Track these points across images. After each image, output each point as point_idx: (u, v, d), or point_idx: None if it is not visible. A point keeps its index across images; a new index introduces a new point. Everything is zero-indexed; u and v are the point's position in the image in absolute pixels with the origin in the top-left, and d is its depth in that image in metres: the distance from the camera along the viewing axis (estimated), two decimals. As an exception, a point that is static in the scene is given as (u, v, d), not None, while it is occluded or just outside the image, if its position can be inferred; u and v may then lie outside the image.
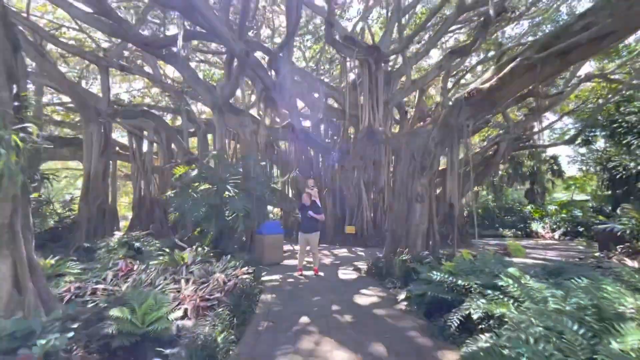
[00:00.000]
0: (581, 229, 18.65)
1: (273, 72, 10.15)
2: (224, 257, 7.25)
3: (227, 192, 8.88)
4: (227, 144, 10.66)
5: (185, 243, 9.69)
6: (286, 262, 8.87)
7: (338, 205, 14.80)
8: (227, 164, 9.20)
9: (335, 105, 13.05)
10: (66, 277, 6.56)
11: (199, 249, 8.99)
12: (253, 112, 12.76)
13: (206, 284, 5.04)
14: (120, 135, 20.77)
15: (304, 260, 7.24)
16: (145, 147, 17.26)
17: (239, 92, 15.35)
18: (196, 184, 9.06)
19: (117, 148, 17.90)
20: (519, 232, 20.17)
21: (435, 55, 18.69)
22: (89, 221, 11.77)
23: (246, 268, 6.45)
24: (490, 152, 15.76)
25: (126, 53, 16.71)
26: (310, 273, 7.20)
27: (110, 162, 18.23)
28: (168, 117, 23.52)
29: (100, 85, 13.99)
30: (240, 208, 8.48)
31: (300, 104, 12.55)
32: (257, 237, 8.77)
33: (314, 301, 5.12)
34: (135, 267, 5.93)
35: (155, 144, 17.33)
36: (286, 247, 12.42)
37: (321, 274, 7.19)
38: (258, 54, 8.76)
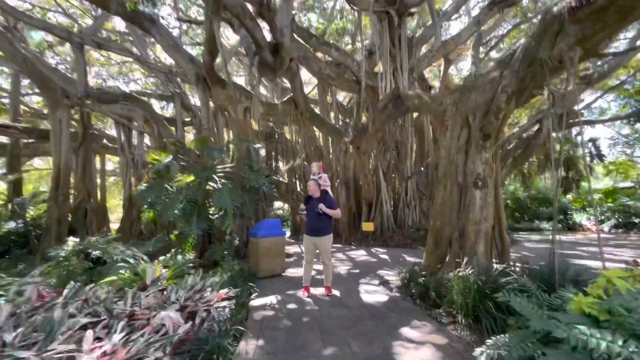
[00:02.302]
0: (637, 220, 16.07)
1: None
2: (198, 272, 5.26)
3: (211, 184, 6.86)
4: (214, 124, 8.63)
5: (163, 250, 7.77)
6: (290, 272, 6.81)
7: (353, 198, 12.66)
8: (213, 148, 7.15)
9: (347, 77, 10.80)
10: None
11: (178, 256, 7.06)
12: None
13: (143, 331, 3.02)
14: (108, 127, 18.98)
15: (311, 273, 5.16)
16: (135, 139, 15.43)
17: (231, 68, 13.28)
18: (172, 174, 7.07)
19: (104, 140, 16.17)
20: (559, 225, 17.69)
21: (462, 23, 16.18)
22: (60, 223, 9.97)
23: (226, 290, 4.42)
24: (531, 132, 13.29)
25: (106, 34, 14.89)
26: (320, 292, 5.13)
27: (97, 155, 16.61)
28: (160, 106, 21.74)
29: (75, 66, 12.18)
30: (227, 203, 6.45)
31: (305, 75, 10.46)
32: (251, 241, 6.74)
33: (327, 356, 3.03)
34: (49, 297, 3.95)
35: (146, 136, 15.54)
36: (293, 250, 10.37)
37: (336, 293, 5.10)
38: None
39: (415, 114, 13.11)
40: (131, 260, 6.07)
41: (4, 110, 14.73)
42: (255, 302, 4.76)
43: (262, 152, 20.11)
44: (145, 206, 7.30)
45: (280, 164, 14.65)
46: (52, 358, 2.43)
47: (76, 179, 12.60)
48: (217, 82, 8.36)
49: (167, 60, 15.97)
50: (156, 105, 22.65)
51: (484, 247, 4.44)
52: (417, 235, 11.01)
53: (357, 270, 6.96)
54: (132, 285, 5.02)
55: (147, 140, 15.94)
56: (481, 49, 13.89)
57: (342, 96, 19.94)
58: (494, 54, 15.88)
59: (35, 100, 18.19)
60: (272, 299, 4.86)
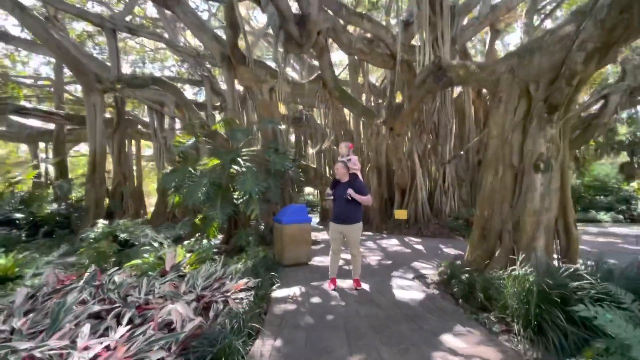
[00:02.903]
0: None
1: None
2: (222, 258, 5.01)
3: (234, 167, 6.57)
4: (240, 106, 8.32)
5: (191, 234, 7.71)
6: (317, 260, 6.43)
7: (385, 184, 11.98)
8: (237, 130, 6.83)
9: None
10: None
11: (203, 241, 6.94)
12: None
13: (148, 326, 2.74)
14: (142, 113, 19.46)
15: (338, 264, 4.70)
16: (167, 124, 15.69)
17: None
18: (196, 157, 6.88)
19: (139, 126, 16.65)
20: (620, 217, 15.75)
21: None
22: (97, 205, 10.34)
23: (246, 280, 4.10)
24: (594, 110, 11.64)
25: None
26: (348, 285, 4.68)
27: (133, 141, 17.18)
28: (193, 92, 22.01)
29: (108, 51, 12.40)
30: (251, 187, 6.14)
31: (335, 56, 9.78)
32: (276, 228, 6.41)
33: (354, 364, 2.59)
34: (69, 280, 3.84)
35: (177, 121, 15.76)
36: (321, 237, 10.01)
37: (365, 287, 4.63)
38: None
39: (455, 93, 11.98)
40: (155, 244, 5.99)
41: (49, 99, 15.54)
42: (277, 293, 4.42)
43: (292, 138, 19.88)
44: (172, 190, 7.21)
45: (310, 149, 14.19)
46: (48, 352, 2.19)
47: (113, 164, 13.06)
48: (242, 60, 7.98)
49: (197, 44, 15.94)
50: (189, 91, 23.06)
51: (545, 243, 3.70)
52: (456, 225, 10.18)
53: (389, 262, 6.42)
54: (155, 269, 4.90)
55: (178, 125, 16.21)
56: (535, 17, 12.27)
57: (374, 77, 18.92)
58: (548, 24, 14.04)
59: (77, 89, 19.15)
60: (295, 291, 4.49)
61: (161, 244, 6.07)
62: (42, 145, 16.88)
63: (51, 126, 14.96)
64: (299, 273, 5.51)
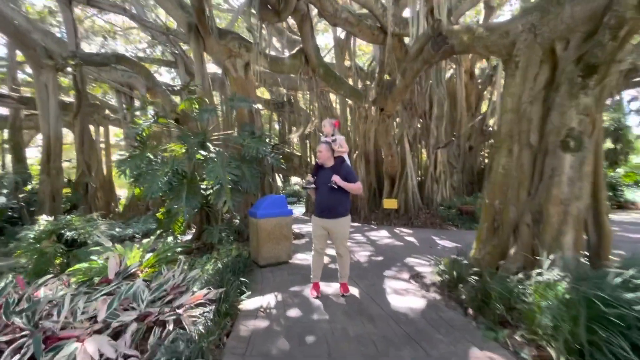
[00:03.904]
0: None
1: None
2: (185, 259, 4.16)
3: (202, 153, 5.65)
4: (210, 84, 7.30)
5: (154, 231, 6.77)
6: (300, 258, 5.65)
7: (373, 172, 11.26)
8: (203, 110, 5.87)
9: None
10: None
11: (169, 239, 6.04)
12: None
13: None
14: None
15: (322, 266, 3.92)
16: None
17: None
18: (158, 141, 5.91)
19: (107, 111, 15.25)
20: (607, 203, 15.63)
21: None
22: (55, 198, 9.19)
23: (205, 292, 3.27)
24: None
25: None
26: (334, 289, 3.93)
27: (102, 128, 15.79)
28: (171, 77, 20.56)
29: (65, 25, 11.00)
30: (221, 175, 5.24)
31: (319, 41, 8.81)
32: (250, 222, 5.57)
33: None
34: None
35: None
36: (306, 229, 9.23)
37: (354, 291, 3.88)
38: None
39: (447, 73, 11.26)
40: (108, 244, 5.06)
41: (1, 80, 13.95)
42: (247, 303, 3.60)
43: (276, 126, 18.80)
44: (132, 180, 6.21)
45: (294, 136, 13.27)
46: None
47: (76, 152, 11.80)
48: (211, 31, 6.94)
49: (171, 21, 14.52)
50: (166, 75, 21.50)
51: (574, 238, 3.02)
52: (448, 214, 9.59)
53: (380, 258, 5.71)
54: (104, 275, 4.02)
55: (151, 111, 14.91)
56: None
57: (362, 62, 17.97)
58: None
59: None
60: (269, 300, 3.69)
61: (122, 242, 5.16)
62: (-3, 132, 15.30)
63: (5, 111, 13.45)
64: (276, 275, 4.72)
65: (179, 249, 5.36)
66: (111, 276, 3.73)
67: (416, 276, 4.59)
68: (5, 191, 10.94)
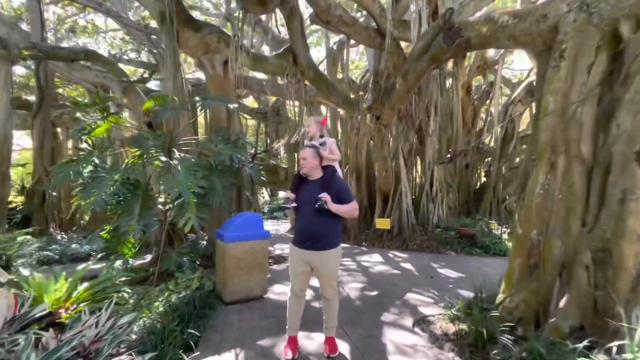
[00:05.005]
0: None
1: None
2: (131, 292, 3.09)
3: (160, 159, 4.63)
4: (183, 83, 6.35)
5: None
6: (278, 290, 4.59)
7: (364, 188, 10.38)
8: (165, 108, 4.89)
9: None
10: None
11: (116, 263, 4.90)
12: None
13: None
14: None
15: (301, 313, 2.89)
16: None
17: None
18: (109, 143, 4.87)
19: (78, 114, 14.02)
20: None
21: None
22: (-3, 208, 7.89)
23: (128, 357, 2.21)
24: None
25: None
26: (316, 346, 2.90)
27: (67, 130, 14.49)
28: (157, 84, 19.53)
29: (30, 16, 9.99)
30: (182, 188, 4.22)
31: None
32: (218, 246, 4.51)
33: None
34: None
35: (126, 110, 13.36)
36: (289, 250, 8.18)
37: (343, 349, 2.87)
38: None
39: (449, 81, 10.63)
40: (25, 272, 3.91)
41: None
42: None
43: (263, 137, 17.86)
44: (79, 190, 5.09)
45: (279, 145, 12.36)
46: None
47: (33, 156, 10.53)
48: (187, 22, 6.07)
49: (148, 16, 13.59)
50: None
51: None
52: (446, 237, 8.73)
53: (375, 292, 4.72)
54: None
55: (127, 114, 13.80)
56: None
57: (354, 76, 17.44)
58: None
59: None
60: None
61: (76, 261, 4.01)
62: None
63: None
64: (245, 317, 3.66)
65: (123, 278, 4.25)
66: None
67: (422, 321, 3.62)
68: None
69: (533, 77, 9.67)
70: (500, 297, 3.00)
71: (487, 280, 4.18)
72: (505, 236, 8.90)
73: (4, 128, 8.03)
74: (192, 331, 2.80)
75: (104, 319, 2.76)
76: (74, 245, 7.56)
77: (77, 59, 9.48)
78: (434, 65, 4.53)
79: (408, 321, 3.60)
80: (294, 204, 2.76)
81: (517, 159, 12.04)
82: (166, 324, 2.80)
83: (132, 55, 17.32)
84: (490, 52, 11.93)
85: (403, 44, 7.76)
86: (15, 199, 10.99)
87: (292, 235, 2.92)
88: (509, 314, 2.78)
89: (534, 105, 4.43)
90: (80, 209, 5.65)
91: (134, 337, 2.69)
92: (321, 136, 2.98)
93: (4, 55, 7.69)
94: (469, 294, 4.52)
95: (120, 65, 11.92)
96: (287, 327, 2.87)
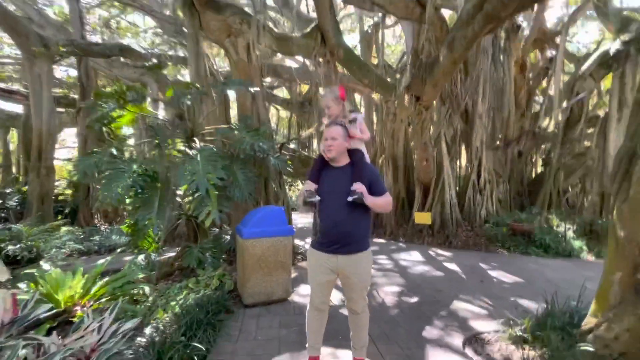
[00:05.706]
0: None
1: None
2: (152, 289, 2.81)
3: (179, 149, 4.33)
4: (208, 70, 6.05)
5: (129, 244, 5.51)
6: (302, 293, 4.14)
7: (402, 178, 9.57)
8: (182, 93, 4.56)
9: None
10: None
11: (139, 258, 4.75)
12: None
13: None
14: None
15: (323, 329, 2.38)
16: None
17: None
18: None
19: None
20: None
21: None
22: (44, 201, 8.31)
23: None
24: None
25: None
26: (343, 369, 2.39)
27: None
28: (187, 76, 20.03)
29: (70, 13, 10.38)
30: (201, 179, 3.88)
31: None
32: (237, 243, 4.14)
33: None
34: None
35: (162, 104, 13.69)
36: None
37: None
38: None
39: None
40: (46, 266, 3.82)
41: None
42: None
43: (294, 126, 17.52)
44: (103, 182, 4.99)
45: (311, 131, 11.86)
46: None
47: (78, 151, 11.06)
48: (209, 3, 5.71)
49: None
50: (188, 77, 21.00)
51: None
52: (497, 234, 7.74)
53: (414, 299, 4.08)
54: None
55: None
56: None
57: (390, 61, 16.41)
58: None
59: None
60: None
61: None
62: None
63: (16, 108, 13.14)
64: (264, 324, 3.23)
65: (141, 275, 4.04)
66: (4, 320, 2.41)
67: (475, 340, 2.96)
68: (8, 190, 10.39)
69: (609, 46, 8.14)
70: (589, 320, 2.25)
71: (555, 288, 3.39)
72: (570, 233, 7.68)
73: (47, 124, 8.39)
74: (198, 345, 2.41)
75: (107, 323, 2.48)
76: (114, 237, 7.73)
77: (111, 54, 9.69)
78: (489, 27, 3.70)
79: (457, 339, 2.96)
80: (317, 198, 2.21)
81: (587, 144, 10.45)
82: (169, 336, 2.44)
83: (167, 50, 17.76)
84: (551, 23, 10.37)
85: (445, 14, 6.83)
86: (66, 192, 11.65)
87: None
88: (604, 346, 2.04)
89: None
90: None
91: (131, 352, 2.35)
92: (351, 111, 2.38)
93: (45, 54, 7.96)
94: (532, 304, 3.75)
95: (155, 60, 12.11)
96: (307, 345, 2.37)
